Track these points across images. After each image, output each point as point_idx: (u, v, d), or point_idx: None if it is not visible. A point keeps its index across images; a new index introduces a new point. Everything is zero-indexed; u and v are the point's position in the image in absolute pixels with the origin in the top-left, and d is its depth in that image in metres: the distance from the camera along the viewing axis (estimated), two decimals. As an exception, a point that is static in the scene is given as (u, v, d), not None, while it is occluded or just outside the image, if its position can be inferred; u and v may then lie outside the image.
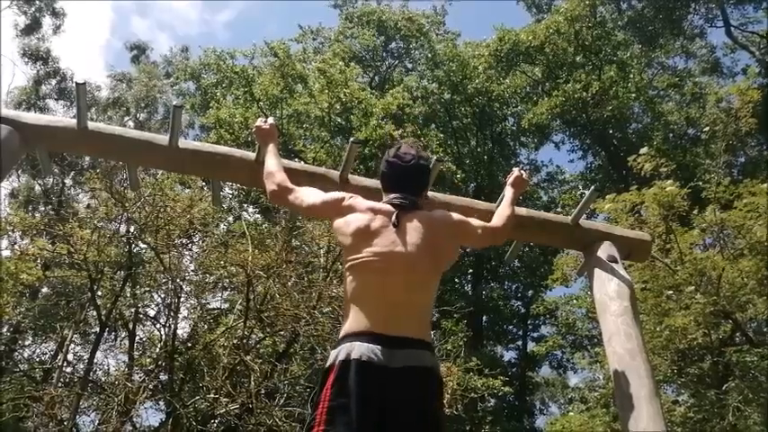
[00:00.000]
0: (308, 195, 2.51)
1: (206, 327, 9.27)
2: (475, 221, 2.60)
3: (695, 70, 18.69)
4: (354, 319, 2.19)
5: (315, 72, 16.32)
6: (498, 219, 2.71)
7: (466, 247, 2.83)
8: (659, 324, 7.90)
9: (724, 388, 7.71)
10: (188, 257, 9.75)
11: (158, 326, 9.35)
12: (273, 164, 2.61)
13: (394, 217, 2.30)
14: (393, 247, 2.25)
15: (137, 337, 9.62)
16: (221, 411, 7.86)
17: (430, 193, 3.08)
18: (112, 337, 10.85)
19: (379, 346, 2.08)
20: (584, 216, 3.32)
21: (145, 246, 9.03)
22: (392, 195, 2.41)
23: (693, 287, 7.51)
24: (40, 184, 17.14)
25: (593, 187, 3.45)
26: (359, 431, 1.99)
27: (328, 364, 2.15)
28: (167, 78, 22.25)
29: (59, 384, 9.31)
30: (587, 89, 16.23)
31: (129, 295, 9.29)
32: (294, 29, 19.43)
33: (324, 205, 2.46)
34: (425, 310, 2.32)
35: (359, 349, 2.08)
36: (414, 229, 2.30)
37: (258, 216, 13.83)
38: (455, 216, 2.53)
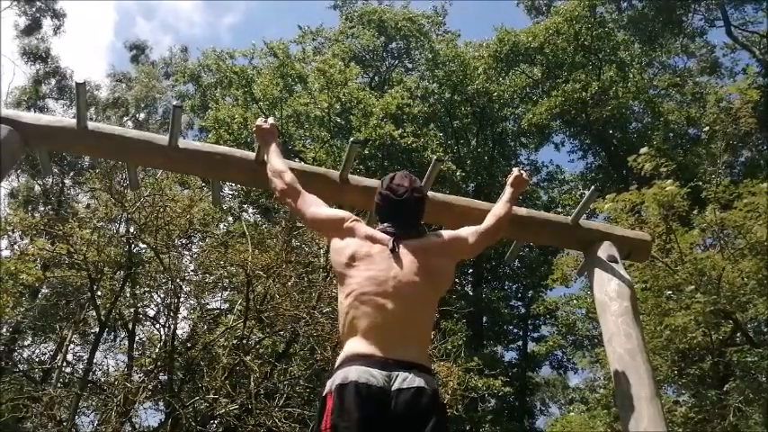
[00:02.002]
0: (315, 206, 2.51)
1: (206, 327, 9.27)
2: (465, 232, 2.59)
3: (695, 70, 18.69)
4: (351, 345, 2.18)
5: (315, 72, 16.32)
6: (491, 217, 2.72)
7: (465, 259, 2.83)
8: (659, 324, 7.89)
9: (725, 388, 7.70)
10: (188, 257, 9.76)
11: (158, 326, 9.34)
12: (280, 163, 2.62)
13: (391, 243, 2.31)
14: (389, 272, 2.24)
15: (136, 338, 9.62)
16: (221, 412, 7.86)
17: (430, 193, 3.07)
18: (112, 338, 10.85)
19: (376, 370, 2.06)
20: (585, 216, 3.32)
21: (145, 246, 9.02)
22: (386, 225, 2.41)
23: (693, 287, 7.50)
24: (39, 184, 17.13)
25: (593, 187, 3.45)
26: None
27: (325, 392, 2.11)
28: (167, 79, 22.26)
29: (59, 384, 9.32)
30: (587, 89, 16.23)
31: (128, 295, 9.28)
32: (298, 32, 19.36)
33: (326, 221, 2.47)
34: (424, 335, 2.31)
35: (356, 372, 2.05)
36: (410, 254, 2.30)
37: (258, 216, 13.82)
38: (446, 235, 2.52)
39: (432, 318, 2.38)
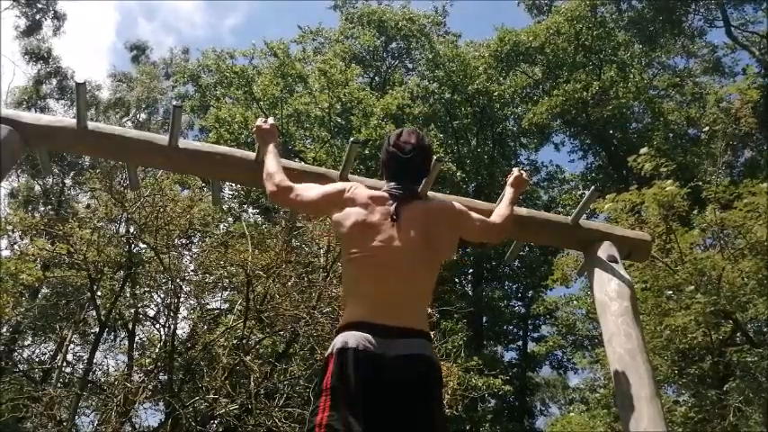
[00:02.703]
0: (308, 191, 2.50)
1: (205, 327, 9.27)
2: (475, 214, 2.60)
3: (695, 70, 18.69)
4: (352, 311, 2.23)
5: (315, 72, 16.32)
6: (497, 216, 2.72)
7: (465, 239, 2.83)
8: (659, 324, 7.89)
9: (725, 388, 7.70)
10: (188, 257, 9.76)
11: (158, 326, 9.34)
12: (273, 164, 2.59)
13: (393, 209, 2.31)
14: (391, 240, 2.26)
15: (136, 338, 9.62)
16: (221, 412, 7.86)
17: (430, 193, 3.07)
18: (112, 338, 10.85)
19: (375, 336, 2.12)
20: (585, 216, 3.31)
21: (145, 246, 9.02)
22: (392, 184, 2.42)
23: (693, 287, 7.49)
24: (39, 184, 17.13)
25: (593, 187, 3.44)
26: (362, 415, 2.02)
27: (327, 353, 2.19)
28: (167, 79, 22.26)
29: (59, 385, 9.33)
30: (587, 89, 16.23)
31: (128, 295, 9.28)
32: (298, 32, 19.35)
33: (324, 199, 2.45)
34: (423, 302, 2.34)
35: (355, 339, 2.12)
36: (412, 220, 2.31)
37: (258, 216, 13.82)
38: (455, 206, 2.53)
39: (431, 285, 2.39)
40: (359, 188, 2.44)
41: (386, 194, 2.39)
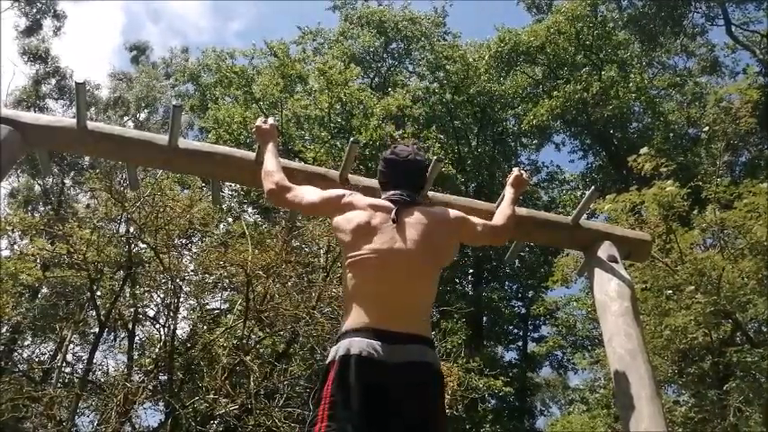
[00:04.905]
0: (307, 193, 2.49)
1: (205, 327, 9.26)
2: (475, 219, 2.59)
3: (696, 70, 18.69)
4: (354, 316, 2.19)
5: (315, 72, 16.32)
6: (499, 218, 2.71)
7: (465, 244, 2.82)
8: (659, 324, 7.89)
9: (725, 388, 7.70)
10: (188, 257, 9.75)
11: (158, 326, 9.34)
12: (272, 164, 2.59)
13: (393, 213, 2.30)
14: (392, 243, 2.24)
15: (136, 338, 9.61)
16: (220, 412, 7.85)
17: (430, 193, 3.07)
18: (112, 338, 10.83)
19: (378, 342, 2.08)
20: (585, 216, 3.31)
21: (144, 246, 9.01)
22: (391, 192, 2.41)
23: (694, 287, 7.49)
24: (39, 184, 17.14)
25: (593, 187, 3.44)
26: (361, 426, 1.99)
27: (328, 360, 2.15)
28: (167, 79, 22.26)
29: (58, 385, 9.32)
30: (588, 89, 16.23)
31: (128, 295, 9.28)
32: (298, 33, 19.34)
33: (323, 202, 2.44)
34: (425, 307, 2.32)
35: (358, 345, 2.08)
36: (413, 225, 2.30)
37: (258, 216, 13.82)
38: (455, 213, 2.52)
39: (433, 290, 2.36)
40: (357, 195, 2.44)
41: (385, 201, 2.38)
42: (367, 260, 2.23)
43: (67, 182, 17.54)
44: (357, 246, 2.26)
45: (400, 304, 2.18)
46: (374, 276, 2.21)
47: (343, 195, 2.42)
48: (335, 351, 2.13)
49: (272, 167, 2.57)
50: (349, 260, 2.27)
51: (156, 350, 9.01)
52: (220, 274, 9.39)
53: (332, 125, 16.22)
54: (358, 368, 2.03)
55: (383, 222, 2.29)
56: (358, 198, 2.40)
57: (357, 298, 2.22)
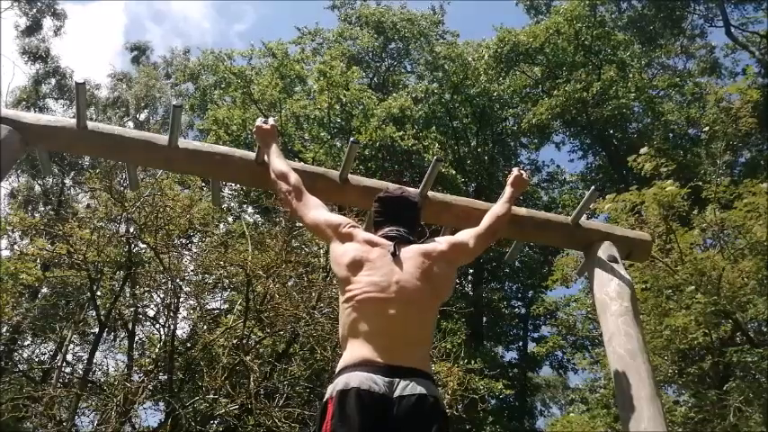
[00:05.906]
0: (315, 209, 2.51)
1: (205, 327, 9.26)
2: (464, 236, 2.59)
3: (695, 70, 18.69)
4: (352, 351, 2.15)
5: (314, 73, 16.31)
6: (489, 218, 2.72)
7: (470, 261, 2.83)
8: (659, 324, 7.89)
9: (725, 388, 7.69)
10: (188, 257, 9.74)
11: (158, 326, 9.34)
12: (282, 164, 2.62)
13: (392, 246, 2.30)
14: (391, 277, 2.23)
15: (136, 338, 9.61)
16: (220, 412, 7.85)
17: (430, 193, 3.07)
18: (112, 338, 10.83)
19: (379, 376, 2.04)
20: (585, 216, 3.31)
21: (144, 246, 9.01)
22: (387, 228, 2.41)
23: (694, 287, 7.49)
24: (39, 184, 17.13)
25: (593, 187, 3.45)
26: None
27: (326, 397, 2.09)
28: (167, 79, 22.25)
29: (58, 385, 9.29)
30: (587, 89, 16.22)
31: (128, 295, 9.28)
32: (296, 33, 19.33)
33: (325, 225, 2.46)
34: (425, 341, 2.30)
35: (358, 378, 2.03)
36: (411, 258, 2.29)
37: (258, 216, 13.82)
38: (445, 241, 2.52)
39: (433, 323, 2.36)
40: (358, 228, 2.44)
41: (382, 238, 2.38)
42: (366, 294, 2.20)
43: (67, 182, 17.54)
44: (354, 280, 2.25)
45: (400, 338, 2.14)
46: (373, 310, 2.18)
47: (345, 224, 2.42)
48: (333, 387, 2.08)
49: (284, 168, 2.59)
50: (347, 294, 2.25)
51: (156, 350, 9.01)
52: (220, 274, 9.39)
53: (331, 125, 16.21)
54: (358, 402, 1.98)
55: (381, 256, 2.28)
56: (357, 231, 2.41)
57: (356, 332, 2.18)
